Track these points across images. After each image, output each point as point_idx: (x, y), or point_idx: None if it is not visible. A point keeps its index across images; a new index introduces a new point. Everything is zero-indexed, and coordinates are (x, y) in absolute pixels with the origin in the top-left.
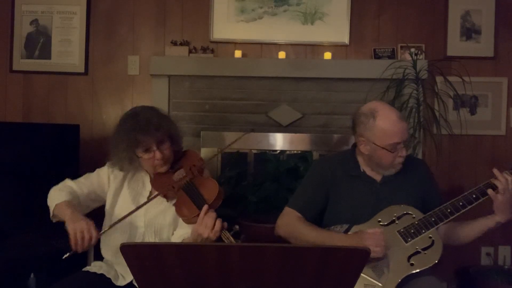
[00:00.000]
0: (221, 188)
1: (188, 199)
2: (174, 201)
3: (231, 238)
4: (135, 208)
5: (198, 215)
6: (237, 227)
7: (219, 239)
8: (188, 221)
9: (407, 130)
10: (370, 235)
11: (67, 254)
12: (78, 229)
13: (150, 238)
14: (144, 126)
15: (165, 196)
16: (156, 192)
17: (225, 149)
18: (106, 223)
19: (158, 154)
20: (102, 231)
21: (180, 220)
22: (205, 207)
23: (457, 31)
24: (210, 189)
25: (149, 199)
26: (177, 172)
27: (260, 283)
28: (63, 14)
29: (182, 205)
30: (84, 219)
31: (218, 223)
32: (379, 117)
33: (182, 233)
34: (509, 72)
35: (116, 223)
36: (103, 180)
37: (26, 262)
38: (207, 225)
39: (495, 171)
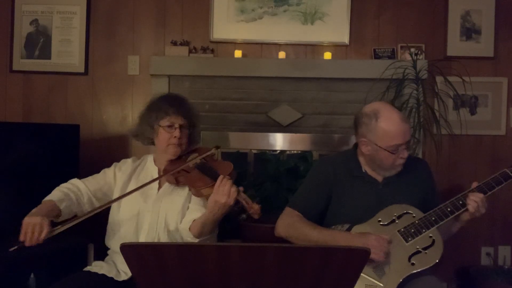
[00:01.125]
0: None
1: (201, 174)
2: (184, 188)
3: (248, 198)
4: (127, 192)
5: (212, 185)
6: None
7: (236, 203)
8: (199, 193)
9: (409, 131)
10: (377, 239)
11: (15, 247)
12: (31, 222)
13: (159, 229)
14: (177, 102)
15: (176, 180)
16: (167, 178)
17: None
18: (113, 218)
19: (177, 132)
20: (56, 229)
21: (189, 206)
22: (221, 176)
23: (457, 31)
24: (225, 166)
25: (153, 180)
26: (190, 156)
27: (260, 283)
28: (63, 14)
29: (196, 179)
30: (41, 216)
31: (234, 187)
32: (382, 118)
33: (190, 218)
34: (509, 72)
35: (91, 212)
36: (109, 178)
37: (26, 262)
38: (224, 192)
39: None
